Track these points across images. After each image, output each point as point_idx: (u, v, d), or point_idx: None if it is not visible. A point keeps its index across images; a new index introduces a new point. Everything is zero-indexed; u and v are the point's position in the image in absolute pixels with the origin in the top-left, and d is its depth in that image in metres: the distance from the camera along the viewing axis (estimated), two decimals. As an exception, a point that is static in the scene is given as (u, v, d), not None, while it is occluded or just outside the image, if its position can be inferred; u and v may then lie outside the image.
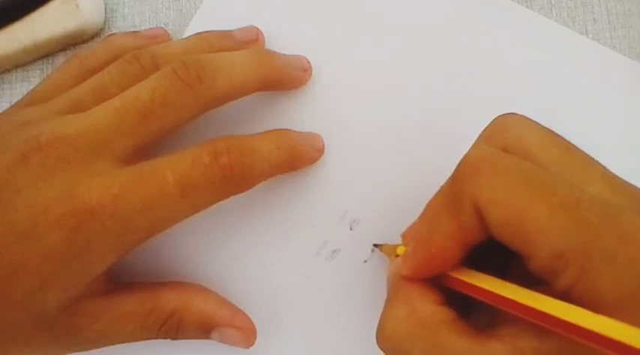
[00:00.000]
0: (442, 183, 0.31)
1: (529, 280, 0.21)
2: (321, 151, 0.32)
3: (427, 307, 0.23)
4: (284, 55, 0.32)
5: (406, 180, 0.32)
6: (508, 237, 0.21)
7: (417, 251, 0.24)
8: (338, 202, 0.32)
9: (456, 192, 0.23)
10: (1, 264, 0.25)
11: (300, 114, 0.33)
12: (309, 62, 0.33)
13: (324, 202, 0.32)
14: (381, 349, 0.24)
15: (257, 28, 0.33)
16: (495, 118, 0.25)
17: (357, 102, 0.33)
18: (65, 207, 0.25)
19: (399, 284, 0.25)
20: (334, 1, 0.34)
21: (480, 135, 0.25)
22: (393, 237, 0.31)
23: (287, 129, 0.32)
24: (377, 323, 0.29)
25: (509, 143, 0.24)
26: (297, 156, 0.31)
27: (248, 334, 0.30)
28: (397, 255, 0.27)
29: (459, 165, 0.24)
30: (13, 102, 0.31)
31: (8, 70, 0.37)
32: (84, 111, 0.27)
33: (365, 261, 0.31)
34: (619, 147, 0.31)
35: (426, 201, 0.29)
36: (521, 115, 0.24)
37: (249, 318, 0.30)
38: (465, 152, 0.31)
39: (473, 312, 0.24)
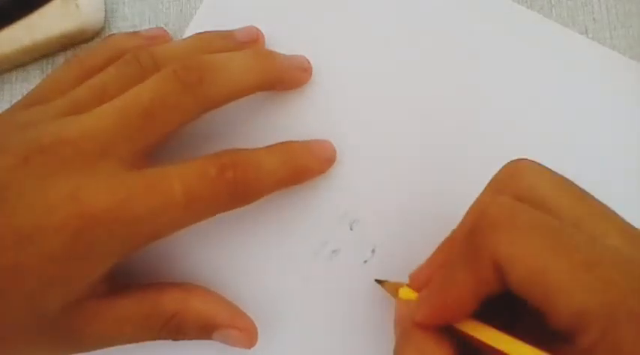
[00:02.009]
0: (443, 183, 0.31)
1: (544, 332, 0.21)
2: (330, 161, 0.32)
3: (438, 352, 0.23)
4: (284, 55, 0.32)
5: (407, 181, 0.32)
6: (528, 294, 0.21)
7: (431, 299, 0.24)
8: (338, 202, 0.32)
9: (474, 245, 0.22)
10: (3, 265, 0.24)
11: (300, 114, 0.33)
12: (309, 62, 0.33)
13: (324, 202, 0.32)
14: None
15: (257, 28, 0.33)
16: (506, 165, 0.25)
17: (358, 103, 0.33)
18: (69, 210, 0.25)
19: (410, 331, 0.25)
20: (334, 1, 0.34)
21: (491, 182, 0.25)
22: (393, 237, 0.31)
23: (294, 143, 0.31)
24: (377, 323, 0.29)
25: (523, 193, 0.23)
26: (303, 171, 0.31)
27: (249, 335, 0.30)
28: (399, 297, 0.27)
29: (472, 214, 0.24)
30: (13, 102, 0.31)
31: (8, 70, 0.37)
32: (85, 113, 0.27)
33: (365, 262, 0.31)
34: (618, 147, 0.31)
35: (427, 202, 0.29)
36: (532, 161, 0.24)
37: (250, 319, 0.30)
38: (465, 152, 0.31)
39: None
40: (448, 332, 0.24)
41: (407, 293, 0.27)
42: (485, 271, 0.22)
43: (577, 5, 0.34)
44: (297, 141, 0.31)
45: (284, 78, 0.32)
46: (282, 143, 0.31)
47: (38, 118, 0.28)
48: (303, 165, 0.31)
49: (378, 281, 0.30)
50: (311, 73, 0.33)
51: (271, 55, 0.32)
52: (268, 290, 0.31)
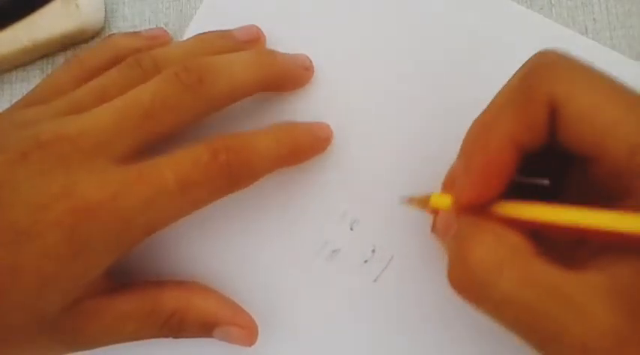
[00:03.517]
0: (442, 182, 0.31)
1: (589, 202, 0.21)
2: (328, 140, 0.32)
3: (514, 235, 0.22)
4: (285, 54, 0.32)
5: (408, 181, 0.32)
6: (581, 135, 0.21)
7: (472, 161, 0.23)
8: (338, 202, 0.32)
9: (529, 87, 0.22)
10: (1, 263, 0.25)
11: (300, 113, 0.33)
12: (310, 61, 0.33)
13: (324, 202, 0.32)
14: (456, 287, 0.22)
15: (257, 27, 0.33)
16: (531, 57, 0.24)
17: (359, 101, 0.33)
18: (64, 206, 0.25)
19: (468, 222, 0.23)
20: (336, 1, 0.34)
21: (523, 65, 0.24)
22: (393, 237, 0.31)
23: (290, 122, 0.32)
24: (377, 323, 0.29)
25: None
26: (299, 149, 0.31)
27: (250, 332, 0.30)
28: (434, 209, 0.26)
29: (519, 78, 0.23)
30: (13, 102, 0.31)
31: (8, 70, 0.37)
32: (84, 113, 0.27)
33: (365, 261, 0.31)
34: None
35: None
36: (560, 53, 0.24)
37: (250, 316, 0.30)
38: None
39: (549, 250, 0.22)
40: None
41: (440, 199, 0.26)
42: (538, 112, 0.22)
43: (577, 5, 0.34)
44: (294, 121, 0.32)
45: (285, 78, 0.32)
46: (279, 123, 0.31)
47: (37, 117, 0.28)
48: (300, 143, 0.31)
49: (404, 201, 0.29)
50: (313, 72, 0.33)
51: (272, 55, 0.32)
52: (268, 290, 0.31)
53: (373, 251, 0.31)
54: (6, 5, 0.35)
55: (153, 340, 0.28)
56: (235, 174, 0.27)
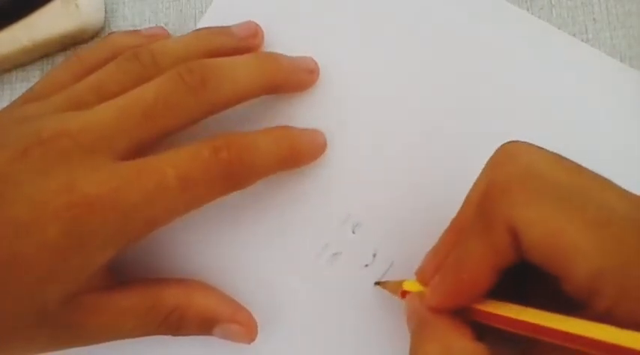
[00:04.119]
0: (445, 187, 0.31)
1: (556, 305, 0.21)
2: (323, 147, 0.32)
3: (462, 343, 0.23)
4: (290, 57, 0.32)
5: (410, 185, 0.32)
6: (543, 258, 0.21)
7: (446, 278, 0.24)
8: (340, 205, 0.32)
9: (486, 214, 0.23)
10: (1, 257, 0.25)
11: (303, 116, 0.33)
12: (316, 63, 0.33)
13: (326, 205, 0.32)
14: None
15: (256, 23, 0.33)
16: (500, 147, 0.25)
17: (362, 105, 0.33)
18: (64, 200, 0.25)
19: (426, 320, 0.24)
20: (346, 2, 0.34)
21: (488, 164, 0.25)
22: (395, 242, 0.31)
23: (288, 126, 0.32)
24: (375, 327, 0.29)
25: (521, 171, 0.23)
26: (298, 153, 0.31)
27: (250, 329, 0.30)
28: (404, 292, 0.27)
29: (476, 192, 0.24)
30: (12, 102, 0.31)
31: (8, 70, 0.37)
32: (84, 109, 0.27)
33: (366, 266, 0.31)
34: (617, 151, 0.31)
35: (431, 208, 0.29)
36: (525, 142, 0.24)
37: (250, 314, 0.30)
38: (468, 155, 0.31)
39: (502, 345, 0.23)
40: (462, 317, 0.24)
41: (412, 286, 0.27)
42: (500, 239, 0.22)
43: (577, 5, 0.34)
44: (292, 126, 0.32)
45: (289, 81, 0.32)
46: (277, 126, 0.31)
47: (37, 113, 0.28)
48: (298, 148, 0.31)
49: (378, 283, 0.30)
50: (318, 75, 0.33)
51: (276, 58, 0.32)
52: (269, 291, 0.31)
53: (374, 255, 0.31)
54: (6, 5, 0.35)
55: (153, 339, 0.28)
56: (236, 173, 0.27)
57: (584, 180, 0.22)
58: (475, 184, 0.25)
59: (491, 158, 0.25)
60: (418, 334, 0.25)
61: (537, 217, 0.21)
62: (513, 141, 0.24)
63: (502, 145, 0.25)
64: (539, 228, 0.21)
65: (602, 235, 0.20)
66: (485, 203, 0.23)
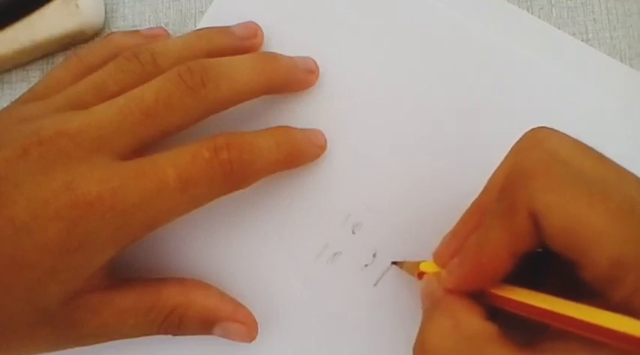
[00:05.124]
0: (446, 188, 0.31)
1: (572, 293, 0.21)
2: (323, 148, 0.32)
3: (473, 321, 0.23)
4: (290, 57, 0.32)
5: (411, 186, 0.32)
6: (564, 244, 0.21)
7: (465, 261, 0.24)
8: (341, 205, 0.32)
9: (508, 199, 0.22)
10: (1, 257, 0.25)
11: (303, 116, 0.33)
12: (316, 64, 0.33)
13: (327, 205, 0.32)
14: None
15: (256, 23, 0.33)
16: (527, 132, 0.25)
17: (363, 105, 0.33)
18: (64, 200, 0.25)
19: (440, 299, 0.25)
20: (345, 3, 0.34)
21: (514, 149, 0.25)
22: (395, 243, 0.31)
23: (288, 126, 0.32)
24: (375, 327, 0.29)
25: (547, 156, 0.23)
26: (298, 153, 0.31)
27: (250, 328, 0.30)
28: (421, 272, 0.28)
29: (500, 174, 0.24)
30: (12, 102, 0.31)
31: (8, 70, 0.37)
32: (84, 108, 0.27)
33: (366, 266, 0.31)
34: (617, 153, 0.31)
35: (431, 208, 0.29)
36: (551, 128, 0.24)
37: (250, 313, 0.30)
38: (469, 156, 0.31)
39: (513, 329, 0.24)
40: (476, 299, 0.24)
41: (429, 266, 0.27)
42: (521, 224, 0.22)
43: (577, 5, 0.34)
44: (292, 126, 0.32)
45: (289, 81, 0.32)
46: (277, 127, 0.31)
47: (37, 113, 0.28)
48: (298, 149, 0.31)
49: (395, 263, 0.30)
50: (318, 75, 0.33)
51: (276, 58, 0.31)
52: (269, 291, 0.31)
53: (374, 255, 0.31)
54: (6, 5, 0.35)
55: (153, 339, 0.28)
56: (236, 173, 0.27)
57: (609, 169, 0.22)
58: (499, 167, 0.25)
59: (517, 142, 0.25)
60: (430, 310, 0.25)
61: (559, 203, 0.21)
62: (540, 127, 0.24)
63: (529, 131, 0.25)
64: (560, 213, 0.21)
65: (624, 223, 0.20)
66: (508, 187, 0.23)
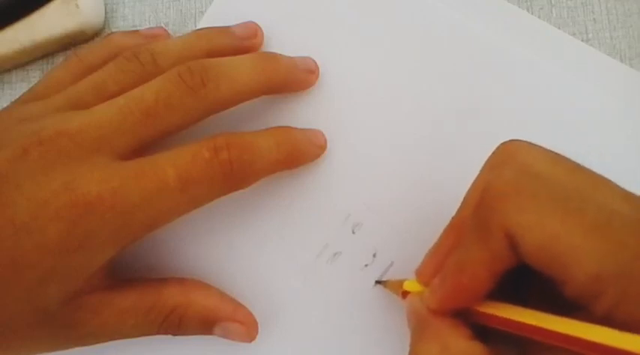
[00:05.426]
0: (445, 187, 0.31)
1: (556, 307, 0.21)
2: (323, 148, 0.32)
3: (460, 343, 0.23)
4: (290, 57, 0.32)
5: (410, 185, 0.32)
6: (542, 262, 0.21)
7: (446, 281, 0.24)
8: (341, 205, 0.32)
9: (483, 220, 0.22)
10: (1, 257, 0.25)
11: (303, 116, 0.33)
12: (316, 64, 0.33)
13: (327, 205, 0.32)
14: None
15: (256, 24, 0.33)
16: (499, 146, 0.25)
17: (363, 105, 0.33)
18: (64, 200, 0.25)
19: (425, 320, 0.25)
20: (345, 3, 0.34)
21: (487, 163, 0.25)
22: (395, 243, 0.31)
23: (288, 127, 0.32)
24: (374, 327, 0.29)
25: (520, 169, 0.23)
26: (298, 154, 0.31)
27: (250, 328, 0.30)
28: (405, 291, 0.28)
29: (474, 193, 0.24)
30: (13, 103, 0.31)
31: (8, 70, 0.37)
32: (84, 108, 0.27)
33: (366, 266, 0.31)
34: (617, 153, 0.31)
35: (431, 208, 0.29)
36: (524, 141, 0.24)
37: (250, 313, 0.30)
38: (469, 156, 0.31)
39: (502, 344, 0.24)
40: (462, 318, 0.24)
41: (412, 286, 0.27)
42: (498, 245, 0.22)
43: (577, 5, 0.34)
44: (292, 126, 0.32)
45: (289, 81, 0.32)
46: (277, 127, 0.31)
47: (37, 113, 0.28)
48: (298, 149, 0.31)
49: (378, 282, 0.31)
50: (318, 75, 0.33)
51: (276, 58, 0.31)
52: (269, 291, 0.31)
53: (374, 255, 0.31)
54: (6, 5, 0.35)
55: (153, 339, 0.28)
56: (236, 173, 0.27)
57: (584, 180, 0.22)
58: (473, 185, 0.26)
59: (490, 157, 0.25)
60: (417, 333, 0.25)
61: (534, 222, 0.21)
62: (512, 140, 0.24)
63: (501, 144, 0.25)
64: (536, 233, 0.21)
65: (601, 238, 0.20)
66: (482, 209, 0.23)
